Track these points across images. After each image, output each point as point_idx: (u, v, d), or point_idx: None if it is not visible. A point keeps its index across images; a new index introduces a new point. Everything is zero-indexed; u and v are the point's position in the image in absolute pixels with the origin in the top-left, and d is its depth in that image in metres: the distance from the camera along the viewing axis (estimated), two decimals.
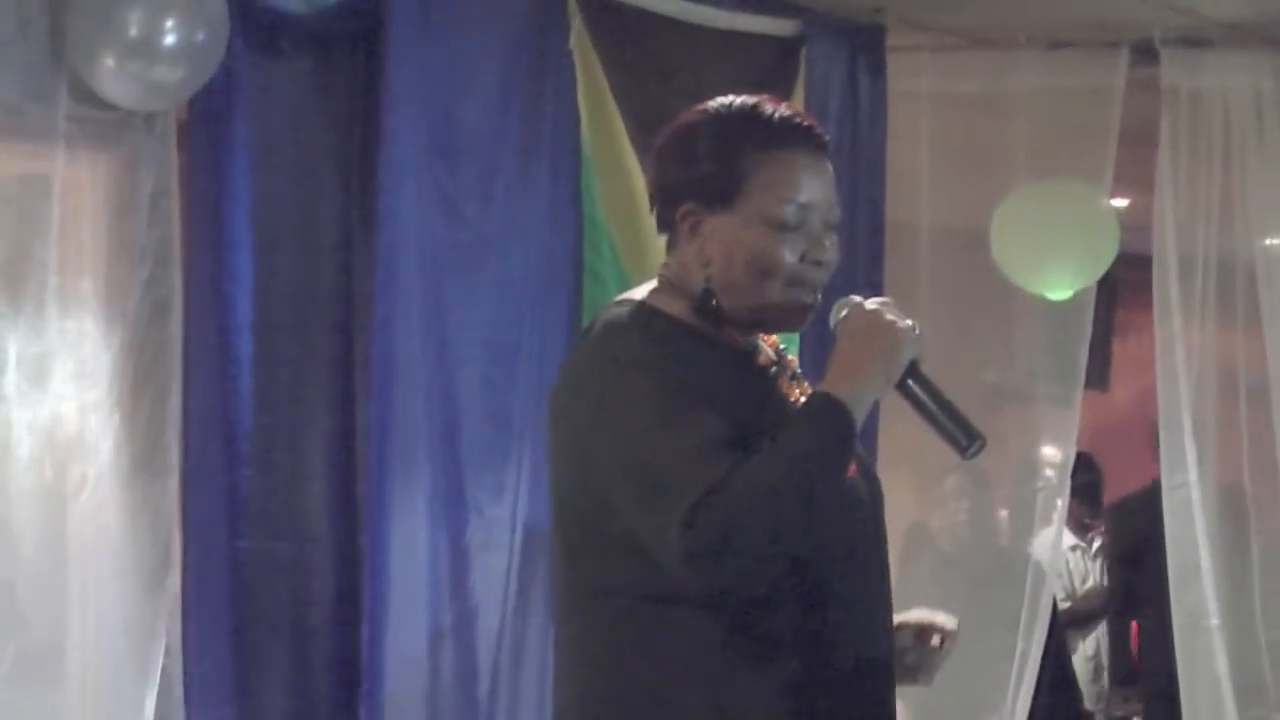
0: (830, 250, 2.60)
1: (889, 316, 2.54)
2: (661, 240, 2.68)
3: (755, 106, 2.60)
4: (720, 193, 2.56)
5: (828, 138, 2.64)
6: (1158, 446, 5.99)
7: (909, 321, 2.55)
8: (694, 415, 2.44)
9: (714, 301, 2.57)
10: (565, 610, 2.61)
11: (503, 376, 4.76)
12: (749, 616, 2.48)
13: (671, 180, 2.61)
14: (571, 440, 2.56)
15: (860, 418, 2.49)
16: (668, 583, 2.45)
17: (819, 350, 4.09)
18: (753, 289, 2.58)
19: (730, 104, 2.62)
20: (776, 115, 2.59)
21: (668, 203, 2.61)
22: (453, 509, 4.70)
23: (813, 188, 2.58)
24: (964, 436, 2.57)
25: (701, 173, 2.58)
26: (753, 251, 2.56)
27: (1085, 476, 7.15)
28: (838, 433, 2.46)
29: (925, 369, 2.59)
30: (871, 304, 2.57)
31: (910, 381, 2.56)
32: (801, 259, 2.57)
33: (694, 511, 2.36)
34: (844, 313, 2.58)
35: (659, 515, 2.40)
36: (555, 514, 2.61)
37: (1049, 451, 6.21)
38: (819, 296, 2.62)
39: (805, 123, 2.61)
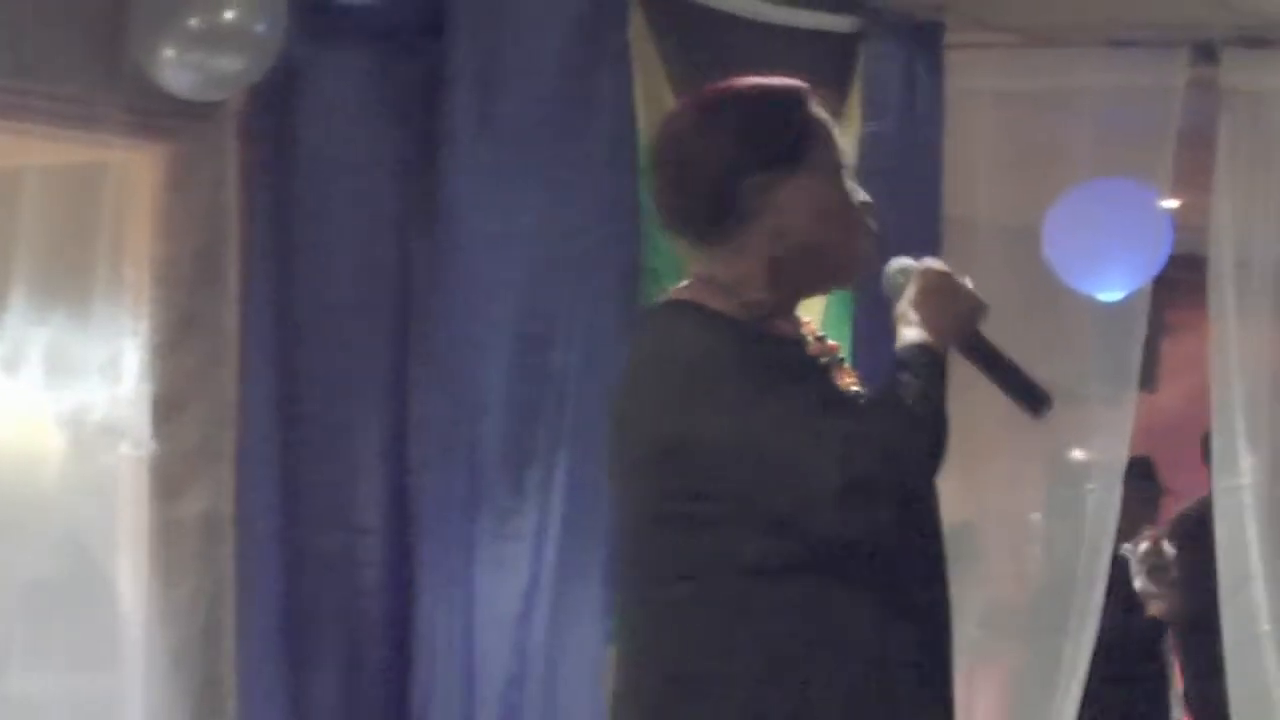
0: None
1: (960, 278, 2.62)
2: None
3: (772, 78, 2.67)
4: (790, 154, 2.59)
5: None
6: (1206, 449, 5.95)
7: (970, 283, 2.63)
8: (784, 386, 2.49)
9: (788, 270, 2.58)
10: (645, 595, 2.59)
11: (560, 368, 4.75)
12: (837, 590, 2.50)
13: (730, 158, 2.59)
14: (653, 443, 2.54)
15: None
16: (757, 557, 2.47)
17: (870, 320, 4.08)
18: (842, 238, 2.62)
19: (748, 82, 2.66)
20: (793, 80, 2.67)
21: (730, 183, 2.58)
22: (500, 502, 4.69)
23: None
24: (1034, 397, 2.62)
25: (768, 137, 2.60)
26: (836, 200, 2.61)
27: (1143, 482, 7.07)
28: (941, 379, 2.53)
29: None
30: (936, 264, 2.63)
31: (978, 345, 2.60)
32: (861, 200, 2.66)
33: (844, 462, 2.41)
34: (908, 271, 2.62)
35: (803, 479, 2.43)
36: (635, 511, 2.61)
37: (1100, 453, 6.16)
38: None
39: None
